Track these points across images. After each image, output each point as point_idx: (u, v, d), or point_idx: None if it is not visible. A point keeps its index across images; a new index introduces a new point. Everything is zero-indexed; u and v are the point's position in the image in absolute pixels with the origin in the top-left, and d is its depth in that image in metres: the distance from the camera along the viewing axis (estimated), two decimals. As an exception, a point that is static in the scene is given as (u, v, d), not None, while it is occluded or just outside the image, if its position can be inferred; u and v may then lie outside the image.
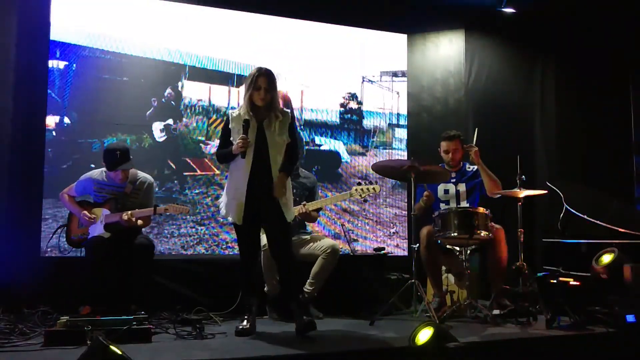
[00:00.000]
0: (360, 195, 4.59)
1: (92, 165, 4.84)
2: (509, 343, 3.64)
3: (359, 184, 4.61)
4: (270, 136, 3.71)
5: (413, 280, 4.25)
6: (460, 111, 6.25)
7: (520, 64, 6.47)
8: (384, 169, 4.71)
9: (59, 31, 5.11)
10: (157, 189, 5.16)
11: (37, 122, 4.95)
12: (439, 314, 4.17)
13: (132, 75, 5.33)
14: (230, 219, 3.82)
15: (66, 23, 5.14)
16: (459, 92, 6.30)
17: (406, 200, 6.01)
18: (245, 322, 3.76)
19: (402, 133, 6.29)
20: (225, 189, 3.91)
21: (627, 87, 6.44)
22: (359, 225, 6.02)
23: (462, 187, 4.84)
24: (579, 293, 4.08)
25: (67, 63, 5.14)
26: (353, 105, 6.19)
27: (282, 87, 5.52)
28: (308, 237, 4.68)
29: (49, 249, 4.80)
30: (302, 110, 5.93)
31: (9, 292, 4.36)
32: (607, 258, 4.48)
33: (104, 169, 4.38)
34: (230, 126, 3.78)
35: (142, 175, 4.49)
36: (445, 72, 6.34)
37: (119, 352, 2.65)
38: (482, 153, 5.96)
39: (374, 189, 4.58)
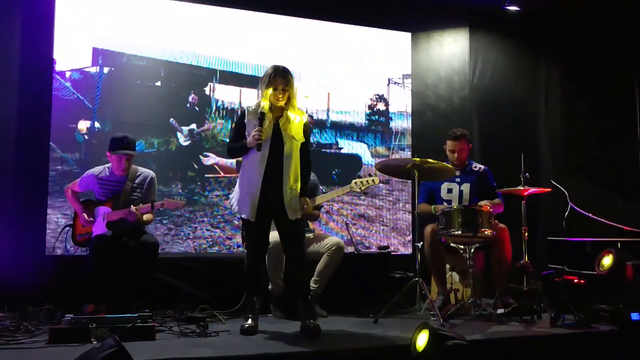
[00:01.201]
0: (360, 188, 4.56)
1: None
2: (513, 341, 3.63)
3: (359, 176, 4.60)
4: (286, 133, 3.70)
5: (417, 279, 4.24)
6: (464, 109, 6.26)
7: (525, 62, 6.48)
8: (388, 168, 4.70)
9: (100, 38, 5.24)
10: (180, 190, 5.26)
11: (41, 121, 4.95)
12: (443, 312, 4.16)
13: (164, 80, 5.43)
14: (243, 215, 3.78)
15: (108, 31, 5.27)
16: (463, 90, 6.31)
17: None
18: (250, 321, 3.74)
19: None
20: (237, 184, 3.87)
21: (632, 85, 6.41)
22: (374, 231, 5.97)
23: (465, 188, 4.81)
24: (583, 291, 4.06)
25: (109, 69, 5.27)
26: (381, 106, 6.21)
27: (307, 89, 5.77)
28: (312, 235, 4.68)
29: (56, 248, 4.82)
30: (328, 112, 5.96)
31: (14, 291, 4.37)
32: (607, 260, 4.46)
33: (107, 165, 4.40)
34: (245, 120, 3.76)
35: (143, 170, 4.48)
36: (450, 71, 6.34)
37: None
38: (486, 151, 6.01)
39: (372, 180, 4.56)
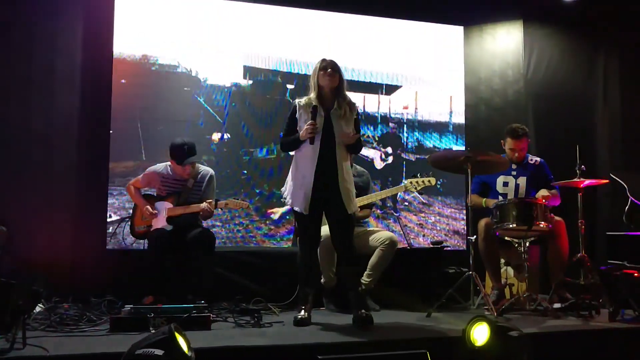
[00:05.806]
0: (415, 188, 4.55)
1: (245, 172, 5.54)
2: (570, 334, 3.56)
3: (414, 176, 4.57)
4: (337, 125, 3.74)
5: (470, 273, 4.20)
6: (519, 103, 6.18)
7: (582, 53, 6.34)
8: (441, 161, 4.63)
9: (245, 54, 5.67)
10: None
11: (102, 122, 5.14)
12: (497, 307, 4.10)
13: (292, 93, 5.69)
14: (296, 208, 3.82)
15: (251, 47, 5.69)
16: (517, 83, 6.23)
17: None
18: (303, 312, 3.79)
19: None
20: (289, 177, 3.91)
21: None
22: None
23: (522, 181, 4.73)
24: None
25: (250, 82, 5.68)
26: None
27: (428, 93, 6.06)
28: (365, 229, 4.69)
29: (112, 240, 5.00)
30: (451, 114, 6.11)
31: (77, 283, 4.60)
32: None
33: (168, 163, 4.51)
34: (297, 115, 3.82)
35: (203, 168, 4.59)
36: (503, 64, 6.26)
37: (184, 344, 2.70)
38: (541, 145, 5.89)
39: (429, 180, 4.53)
